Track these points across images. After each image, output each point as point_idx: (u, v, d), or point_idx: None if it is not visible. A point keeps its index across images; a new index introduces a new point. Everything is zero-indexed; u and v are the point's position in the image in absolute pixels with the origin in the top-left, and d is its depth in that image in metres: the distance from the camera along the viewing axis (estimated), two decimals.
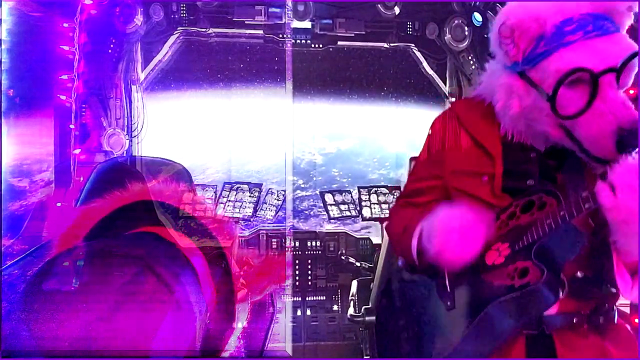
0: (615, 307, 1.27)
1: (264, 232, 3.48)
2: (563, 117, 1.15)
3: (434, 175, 1.43)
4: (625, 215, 1.03)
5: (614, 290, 1.19)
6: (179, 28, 3.42)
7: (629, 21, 1.18)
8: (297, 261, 3.49)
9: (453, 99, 3.86)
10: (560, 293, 1.15)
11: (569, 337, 1.22)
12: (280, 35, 3.53)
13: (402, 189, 1.72)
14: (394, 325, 1.53)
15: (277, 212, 3.50)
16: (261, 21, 3.47)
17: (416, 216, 1.37)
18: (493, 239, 1.26)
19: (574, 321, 1.21)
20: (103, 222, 0.91)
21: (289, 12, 3.46)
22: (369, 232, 3.73)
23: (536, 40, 1.18)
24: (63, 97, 3.02)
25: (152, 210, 0.96)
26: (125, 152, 3.29)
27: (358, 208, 3.57)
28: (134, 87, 3.39)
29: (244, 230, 3.48)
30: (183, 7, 3.39)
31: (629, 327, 1.31)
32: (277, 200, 3.55)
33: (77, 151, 3.08)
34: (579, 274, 1.20)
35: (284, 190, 3.61)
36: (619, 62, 1.09)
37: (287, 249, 3.46)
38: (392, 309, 1.56)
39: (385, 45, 3.73)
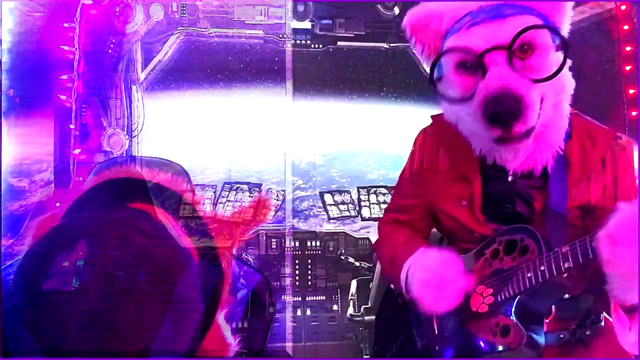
0: (602, 317, 1.27)
1: (264, 232, 3.48)
2: (453, 101, 1.16)
3: (416, 194, 1.42)
4: (622, 269, 1.00)
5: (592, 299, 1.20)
6: (179, 28, 3.42)
7: (562, 7, 1.16)
8: (296, 261, 3.49)
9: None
10: (542, 343, 1.15)
11: (554, 351, 1.22)
12: (280, 35, 3.53)
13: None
14: (396, 327, 1.53)
15: (276, 212, 3.50)
16: (261, 21, 3.47)
17: (402, 247, 1.36)
18: (477, 279, 1.25)
19: (561, 337, 1.22)
20: (64, 217, 0.92)
21: (289, 12, 3.46)
22: (368, 232, 3.73)
23: (441, 38, 1.19)
24: (63, 97, 3.02)
25: (113, 188, 0.96)
26: (125, 152, 3.29)
27: (357, 208, 3.57)
28: (134, 87, 3.39)
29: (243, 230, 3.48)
30: (183, 7, 3.39)
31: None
32: (277, 200, 3.55)
33: (77, 151, 3.08)
34: (566, 295, 1.20)
35: (284, 190, 3.62)
36: (509, 40, 1.06)
37: (286, 249, 3.46)
38: (395, 311, 1.56)
39: (385, 45, 3.74)
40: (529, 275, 1.13)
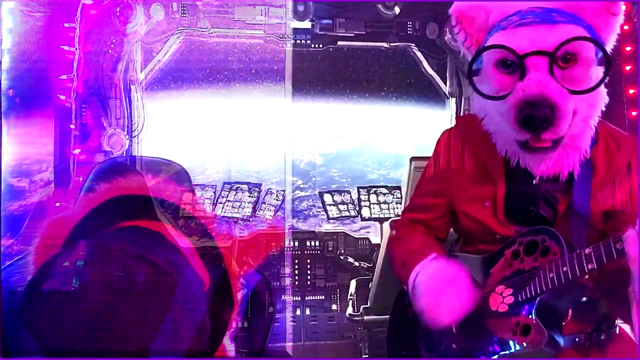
0: (616, 322, 1.27)
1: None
2: (487, 97, 1.17)
3: (439, 193, 1.42)
4: None
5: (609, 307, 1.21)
6: (179, 28, 3.42)
7: (612, 23, 1.16)
8: (296, 261, 3.49)
9: (453, 99, 3.87)
10: (561, 344, 1.15)
11: (569, 354, 1.22)
12: (280, 35, 3.53)
13: (407, 201, 1.70)
14: (411, 331, 1.52)
15: (276, 212, 3.50)
16: (261, 21, 3.47)
17: (416, 251, 1.36)
18: (497, 279, 1.25)
19: (576, 340, 1.21)
20: (76, 229, 0.91)
21: (289, 12, 3.46)
22: (367, 232, 3.73)
23: (485, 32, 1.21)
24: (63, 97, 3.02)
25: (128, 205, 0.96)
26: (125, 152, 3.29)
27: (357, 208, 3.58)
28: (133, 87, 3.39)
29: (243, 230, 3.48)
30: (183, 7, 3.39)
31: (630, 333, 1.31)
32: (277, 200, 3.55)
33: (77, 151, 3.08)
34: (583, 299, 1.20)
35: (283, 190, 3.62)
36: (554, 47, 1.08)
37: (286, 249, 3.47)
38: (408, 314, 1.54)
39: (386, 45, 3.73)
40: (551, 275, 1.13)
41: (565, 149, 1.19)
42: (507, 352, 1.17)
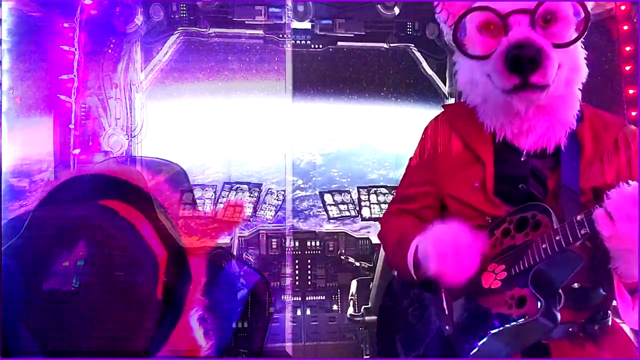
0: (609, 313, 1.26)
1: (264, 232, 3.49)
2: (473, 57, 1.20)
3: (426, 180, 1.41)
4: (626, 244, 1.00)
5: (604, 293, 1.20)
6: (179, 28, 3.42)
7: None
8: (296, 261, 3.49)
9: (453, 99, 3.87)
10: (558, 317, 1.12)
11: (565, 346, 1.21)
12: (280, 36, 3.54)
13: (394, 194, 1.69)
14: (395, 326, 1.52)
15: (276, 212, 3.50)
16: (261, 21, 3.47)
17: (410, 228, 1.35)
18: (488, 258, 1.24)
19: (570, 330, 1.20)
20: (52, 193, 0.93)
21: (289, 12, 3.47)
22: (368, 232, 3.73)
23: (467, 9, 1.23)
24: (63, 97, 3.02)
25: (110, 187, 0.97)
26: (124, 152, 3.29)
27: (357, 208, 3.58)
28: (134, 87, 3.39)
29: (243, 230, 3.48)
30: (183, 7, 3.39)
31: (626, 329, 1.30)
32: (277, 200, 3.55)
33: (77, 151, 3.09)
34: (575, 285, 1.19)
35: (284, 190, 3.62)
36: (534, 6, 1.12)
37: (286, 249, 3.47)
38: (394, 310, 1.54)
39: (385, 45, 3.74)
40: (544, 246, 1.12)
41: (551, 119, 1.21)
42: (503, 326, 1.14)
